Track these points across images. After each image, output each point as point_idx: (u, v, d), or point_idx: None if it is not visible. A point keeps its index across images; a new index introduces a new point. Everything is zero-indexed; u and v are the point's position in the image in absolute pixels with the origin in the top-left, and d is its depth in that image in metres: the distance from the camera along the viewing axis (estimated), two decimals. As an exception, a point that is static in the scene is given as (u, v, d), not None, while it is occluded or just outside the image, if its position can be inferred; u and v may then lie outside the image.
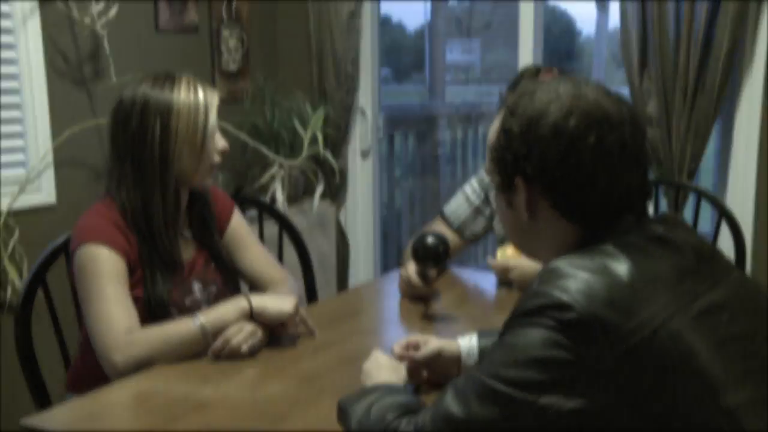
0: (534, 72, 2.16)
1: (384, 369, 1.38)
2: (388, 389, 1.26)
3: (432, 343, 1.49)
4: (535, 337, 1.01)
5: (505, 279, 2.14)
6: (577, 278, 1.02)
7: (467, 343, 1.49)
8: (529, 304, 1.04)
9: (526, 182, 1.14)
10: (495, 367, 1.04)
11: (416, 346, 1.50)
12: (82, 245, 1.69)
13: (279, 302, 1.72)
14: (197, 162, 1.77)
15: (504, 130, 1.15)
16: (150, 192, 1.74)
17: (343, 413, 1.26)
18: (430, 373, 1.49)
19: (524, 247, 1.27)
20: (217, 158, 1.81)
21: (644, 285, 1.03)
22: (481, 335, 1.50)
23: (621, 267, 1.04)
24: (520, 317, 1.05)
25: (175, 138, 1.73)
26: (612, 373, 0.98)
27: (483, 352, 1.46)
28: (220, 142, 1.81)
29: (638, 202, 1.15)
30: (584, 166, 1.09)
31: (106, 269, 1.67)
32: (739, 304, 1.10)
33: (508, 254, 2.14)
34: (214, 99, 1.79)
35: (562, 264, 1.06)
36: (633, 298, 1.01)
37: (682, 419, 1.00)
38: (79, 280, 1.70)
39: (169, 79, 1.76)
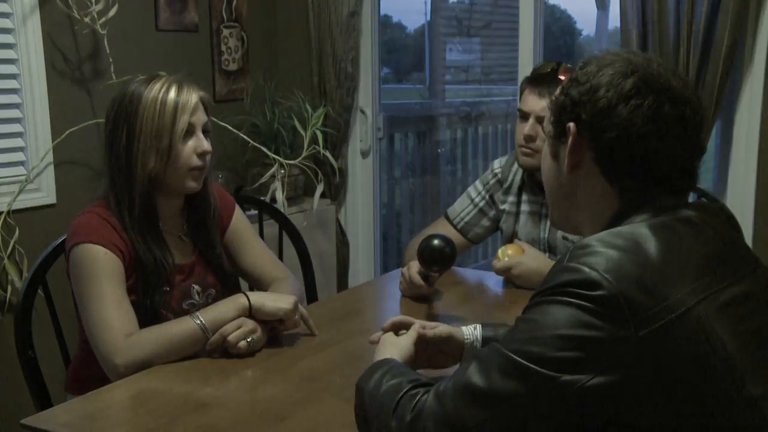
0: (554, 67, 2.12)
1: (384, 346, 1.38)
2: (397, 362, 1.27)
3: (443, 326, 1.49)
4: (561, 313, 1.01)
5: (508, 278, 2.13)
6: (607, 256, 1.02)
7: (471, 332, 1.49)
8: (557, 279, 1.04)
9: (577, 128, 1.15)
10: (519, 342, 1.03)
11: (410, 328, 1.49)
12: (78, 245, 1.68)
13: (278, 299, 1.72)
14: (165, 164, 1.72)
15: (571, 80, 1.18)
16: (122, 194, 1.72)
17: (359, 393, 1.24)
18: (431, 357, 1.48)
19: (558, 207, 1.26)
20: (196, 161, 1.75)
21: (674, 268, 1.03)
22: (485, 326, 1.50)
23: (652, 248, 1.04)
24: (547, 292, 1.05)
25: (139, 136, 1.69)
26: (635, 353, 0.98)
27: (487, 342, 1.45)
28: (200, 144, 1.74)
29: (680, 182, 1.15)
30: (635, 123, 1.10)
31: (103, 269, 1.65)
32: (764, 299, 1.11)
33: (509, 254, 2.13)
34: (192, 99, 1.72)
35: (593, 241, 1.06)
36: (662, 280, 1.01)
37: (704, 406, 1.00)
38: (76, 281, 1.69)
39: (150, 78, 1.73)
